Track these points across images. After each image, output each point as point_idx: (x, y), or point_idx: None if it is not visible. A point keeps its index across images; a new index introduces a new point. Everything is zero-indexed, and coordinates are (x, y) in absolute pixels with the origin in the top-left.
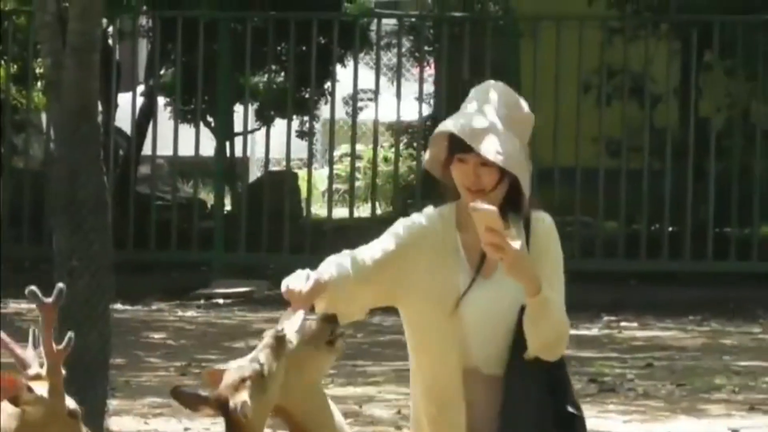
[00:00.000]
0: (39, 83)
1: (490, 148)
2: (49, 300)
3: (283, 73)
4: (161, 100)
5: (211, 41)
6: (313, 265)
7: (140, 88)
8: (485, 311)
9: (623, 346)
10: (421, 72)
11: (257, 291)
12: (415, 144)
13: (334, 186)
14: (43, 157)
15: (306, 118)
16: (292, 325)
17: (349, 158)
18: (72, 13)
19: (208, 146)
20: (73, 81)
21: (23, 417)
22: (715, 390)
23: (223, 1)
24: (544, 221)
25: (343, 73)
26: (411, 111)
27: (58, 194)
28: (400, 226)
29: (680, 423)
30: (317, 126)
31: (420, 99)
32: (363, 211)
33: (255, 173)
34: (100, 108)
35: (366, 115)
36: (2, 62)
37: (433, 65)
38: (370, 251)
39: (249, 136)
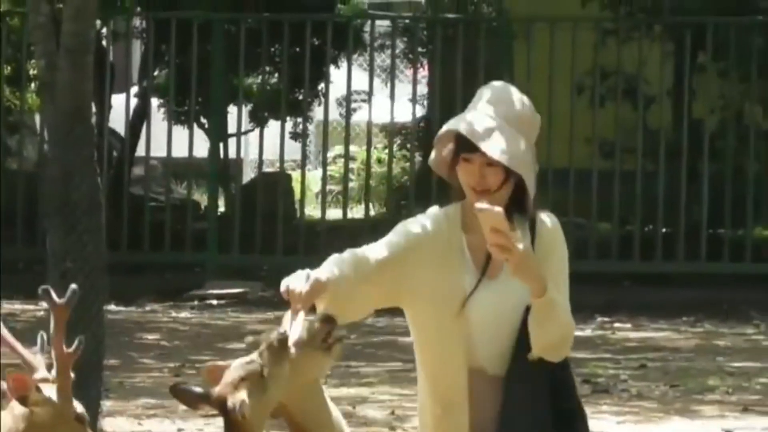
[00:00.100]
0: (33, 84)
1: (496, 148)
2: (62, 300)
3: (276, 75)
4: (155, 102)
5: (204, 42)
6: (307, 267)
7: (134, 90)
8: (491, 312)
9: (617, 347)
10: (415, 73)
11: (251, 292)
12: (408, 145)
13: (328, 187)
14: (36, 159)
15: (299, 119)
16: (295, 328)
17: (342, 159)
18: (66, 14)
19: (202, 147)
20: (66, 82)
21: (31, 418)
22: (708, 391)
23: (216, 2)
24: (549, 222)
25: (337, 75)
26: (404, 112)
27: (51, 195)
28: (405, 226)
29: (674, 424)
30: (311, 127)
31: (413, 100)
32: (356, 212)
33: (249, 174)
34: (93, 109)
35: (359, 117)
36: None
37: (426, 67)
38: (375, 251)
39: (242, 138)
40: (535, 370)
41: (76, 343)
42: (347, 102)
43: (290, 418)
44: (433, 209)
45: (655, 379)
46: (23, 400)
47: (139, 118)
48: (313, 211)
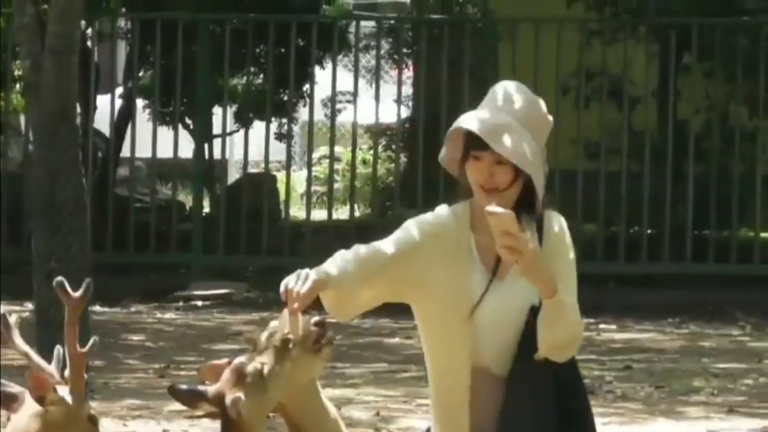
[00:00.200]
0: (18, 85)
1: (506, 147)
2: (78, 294)
3: (261, 75)
4: (140, 102)
5: (189, 43)
6: (291, 267)
7: (119, 90)
8: (498, 313)
9: (602, 348)
10: (400, 74)
11: (236, 293)
12: (393, 146)
13: (313, 188)
14: (21, 159)
15: (284, 120)
16: (293, 327)
17: (327, 160)
18: (51, 15)
19: (187, 148)
20: (52, 83)
21: (45, 417)
22: (693, 392)
23: (201, 2)
24: (556, 222)
25: (322, 75)
26: (390, 113)
27: (37, 196)
28: (414, 223)
29: (659, 425)
30: (296, 128)
31: (398, 101)
32: (342, 213)
33: (233, 175)
34: (78, 110)
35: (345, 117)
36: None
37: (411, 67)
38: (382, 247)
39: (227, 138)
40: (538, 370)
41: (90, 342)
42: (332, 103)
43: (289, 419)
44: (442, 207)
45: (640, 381)
46: (41, 400)
47: (124, 119)
48: (298, 212)
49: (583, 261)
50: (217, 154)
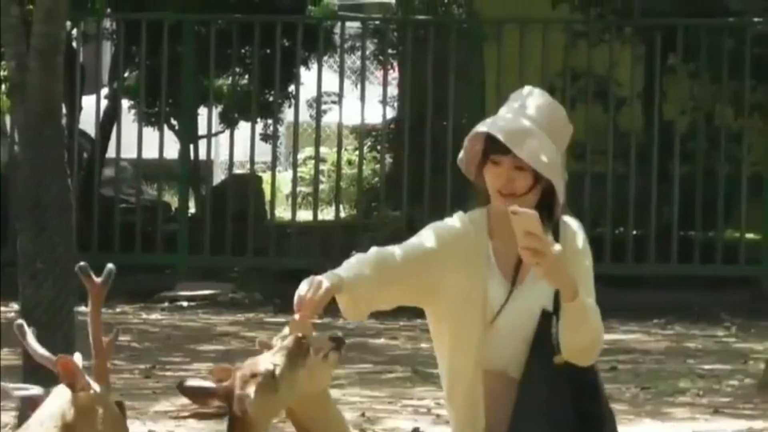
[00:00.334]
0: (3, 86)
1: (527, 152)
2: (101, 279)
3: (247, 76)
4: (125, 103)
5: (175, 44)
6: (277, 268)
7: (104, 91)
8: (517, 318)
9: None
10: (385, 75)
11: (221, 293)
12: (379, 147)
13: (298, 189)
14: (7, 160)
15: (270, 121)
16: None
17: (313, 161)
18: (36, 16)
19: (172, 149)
20: (37, 84)
21: (75, 402)
22: (679, 393)
23: (186, 3)
24: (573, 225)
25: (307, 76)
26: (375, 114)
27: (22, 197)
28: (432, 229)
29: (644, 426)
30: (281, 129)
31: (384, 102)
32: (327, 213)
33: (219, 176)
34: (64, 111)
35: (330, 118)
36: None
37: (397, 68)
38: (399, 252)
39: (213, 139)
40: (553, 373)
41: (113, 332)
42: (318, 103)
43: (298, 424)
44: (459, 214)
45: (626, 382)
46: (71, 386)
47: (109, 120)
48: (283, 212)
49: None
50: (202, 155)
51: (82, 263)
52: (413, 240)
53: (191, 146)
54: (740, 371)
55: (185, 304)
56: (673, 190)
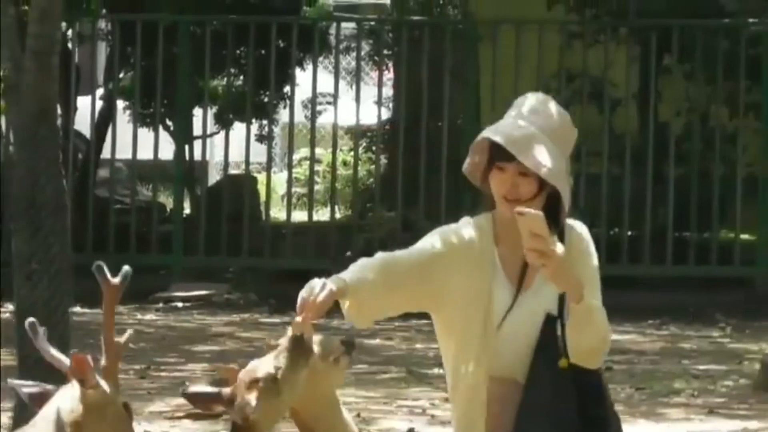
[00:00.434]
0: None
1: (532, 158)
2: (116, 280)
3: (242, 77)
4: (120, 104)
5: (170, 44)
6: (272, 269)
7: (99, 92)
8: (523, 324)
9: None
10: (380, 76)
11: (216, 294)
12: (374, 148)
13: (293, 189)
14: (2, 161)
15: (265, 121)
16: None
17: (308, 162)
18: (31, 16)
19: (168, 150)
20: (32, 84)
21: (85, 399)
22: (674, 394)
23: (182, 4)
24: (578, 228)
25: (303, 77)
26: (370, 115)
27: (17, 197)
28: (437, 234)
29: (639, 427)
30: (276, 130)
31: (379, 103)
32: (322, 214)
33: (214, 177)
34: (59, 111)
35: (325, 119)
36: None
37: (392, 69)
38: (404, 256)
39: (208, 140)
40: (558, 376)
41: (127, 334)
42: (313, 104)
43: (302, 424)
44: (465, 219)
45: (621, 382)
46: (82, 383)
47: (104, 120)
48: (278, 213)
49: None
50: (197, 156)
51: (98, 262)
52: (419, 245)
53: (186, 147)
54: (735, 372)
55: (180, 304)
56: (668, 191)
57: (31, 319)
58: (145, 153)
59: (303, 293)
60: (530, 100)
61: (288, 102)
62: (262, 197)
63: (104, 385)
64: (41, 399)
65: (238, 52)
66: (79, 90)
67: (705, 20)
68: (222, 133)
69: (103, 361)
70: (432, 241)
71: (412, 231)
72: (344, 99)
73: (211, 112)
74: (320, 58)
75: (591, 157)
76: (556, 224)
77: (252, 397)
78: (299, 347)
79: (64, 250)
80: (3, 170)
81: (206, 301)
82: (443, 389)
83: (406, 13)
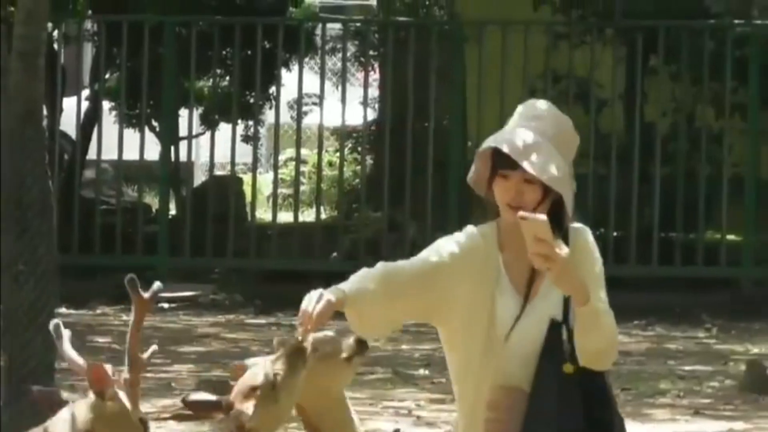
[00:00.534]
0: None
1: (536, 166)
2: (147, 294)
3: (228, 78)
4: (106, 105)
5: (156, 45)
6: (257, 270)
7: (85, 93)
8: (530, 332)
9: None
10: (366, 77)
11: (202, 295)
12: (359, 148)
13: (279, 190)
14: None
15: (251, 122)
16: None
17: (293, 163)
18: (17, 17)
19: (153, 150)
20: (18, 85)
21: (103, 410)
22: (659, 395)
23: (167, 5)
24: (581, 232)
25: (288, 78)
26: (356, 115)
27: (3, 198)
28: (442, 244)
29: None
30: (262, 130)
31: (365, 104)
32: (308, 215)
33: (200, 177)
34: (45, 112)
35: (311, 120)
36: None
37: (378, 70)
38: (407, 266)
39: (194, 141)
40: (563, 381)
41: (150, 350)
42: (298, 105)
43: (307, 420)
44: (469, 228)
45: None
46: (101, 394)
47: (90, 121)
48: (264, 214)
49: None
50: (183, 157)
51: (130, 275)
52: (421, 254)
53: (172, 148)
54: (721, 372)
55: (166, 305)
56: (654, 191)
57: (55, 321)
58: (130, 154)
59: (303, 305)
60: (531, 106)
61: (274, 103)
62: (248, 198)
63: (124, 398)
64: (50, 402)
65: (223, 52)
66: (65, 91)
67: (691, 21)
68: (207, 134)
69: (125, 374)
70: (434, 250)
71: (398, 231)
72: (330, 100)
73: (197, 112)
74: (306, 59)
75: (577, 158)
76: (560, 228)
77: (248, 406)
78: (299, 355)
79: (50, 251)
80: None
81: (192, 302)
82: (429, 390)
83: (392, 13)
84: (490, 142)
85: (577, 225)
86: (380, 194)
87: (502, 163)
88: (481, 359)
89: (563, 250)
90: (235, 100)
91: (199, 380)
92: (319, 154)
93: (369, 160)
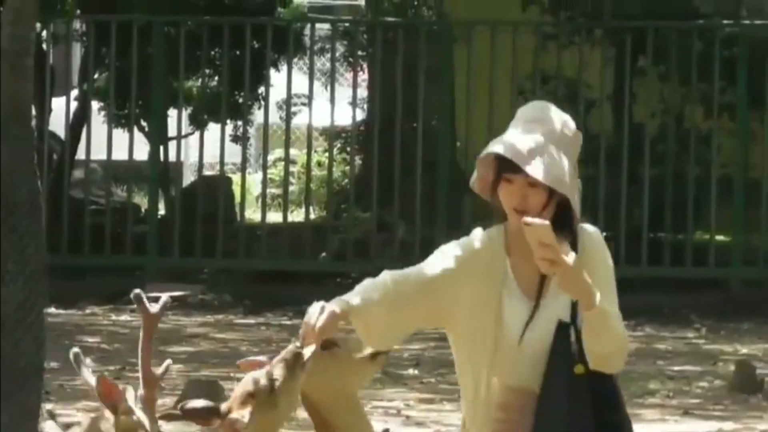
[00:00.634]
0: None
1: (539, 169)
2: (155, 310)
3: (216, 78)
4: (95, 105)
5: (144, 45)
6: (246, 270)
7: (74, 93)
8: (541, 334)
9: None
10: (355, 77)
11: (191, 295)
12: (348, 149)
13: (268, 190)
14: None
15: (240, 122)
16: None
17: (282, 163)
18: (5, 17)
19: (142, 150)
20: (6, 85)
21: (118, 425)
22: (649, 395)
23: (156, 5)
24: (591, 233)
25: (277, 78)
26: (345, 116)
27: None
28: (448, 248)
29: None
30: (251, 130)
31: (354, 104)
32: (297, 215)
33: (189, 177)
34: (34, 112)
35: (300, 120)
36: None
37: (366, 70)
38: (412, 274)
39: (183, 141)
40: (573, 384)
41: (164, 365)
42: (287, 105)
43: (317, 415)
44: (476, 231)
45: None
46: (113, 409)
47: (79, 121)
48: (253, 214)
49: None
50: (172, 157)
51: (136, 291)
52: (429, 260)
53: (161, 148)
54: (710, 373)
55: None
56: (643, 191)
57: (75, 350)
58: (119, 154)
59: (306, 317)
60: (531, 108)
61: (263, 103)
62: (237, 198)
63: (141, 415)
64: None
65: (212, 52)
66: (53, 91)
67: (679, 22)
68: (197, 134)
69: (141, 391)
70: (439, 256)
71: (387, 231)
72: (319, 100)
73: (186, 112)
74: (295, 59)
75: None
76: (568, 229)
77: (244, 413)
78: (297, 359)
79: (38, 251)
80: None
81: (181, 302)
82: (418, 390)
83: (381, 14)
84: (491, 147)
85: (588, 227)
86: (369, 194)
87: (506, 167)
88: (490, 360)
89: (568, 254)
90: (224, 100)
91: (188, 380)
92: (308, 154)
93: (358, 161)
